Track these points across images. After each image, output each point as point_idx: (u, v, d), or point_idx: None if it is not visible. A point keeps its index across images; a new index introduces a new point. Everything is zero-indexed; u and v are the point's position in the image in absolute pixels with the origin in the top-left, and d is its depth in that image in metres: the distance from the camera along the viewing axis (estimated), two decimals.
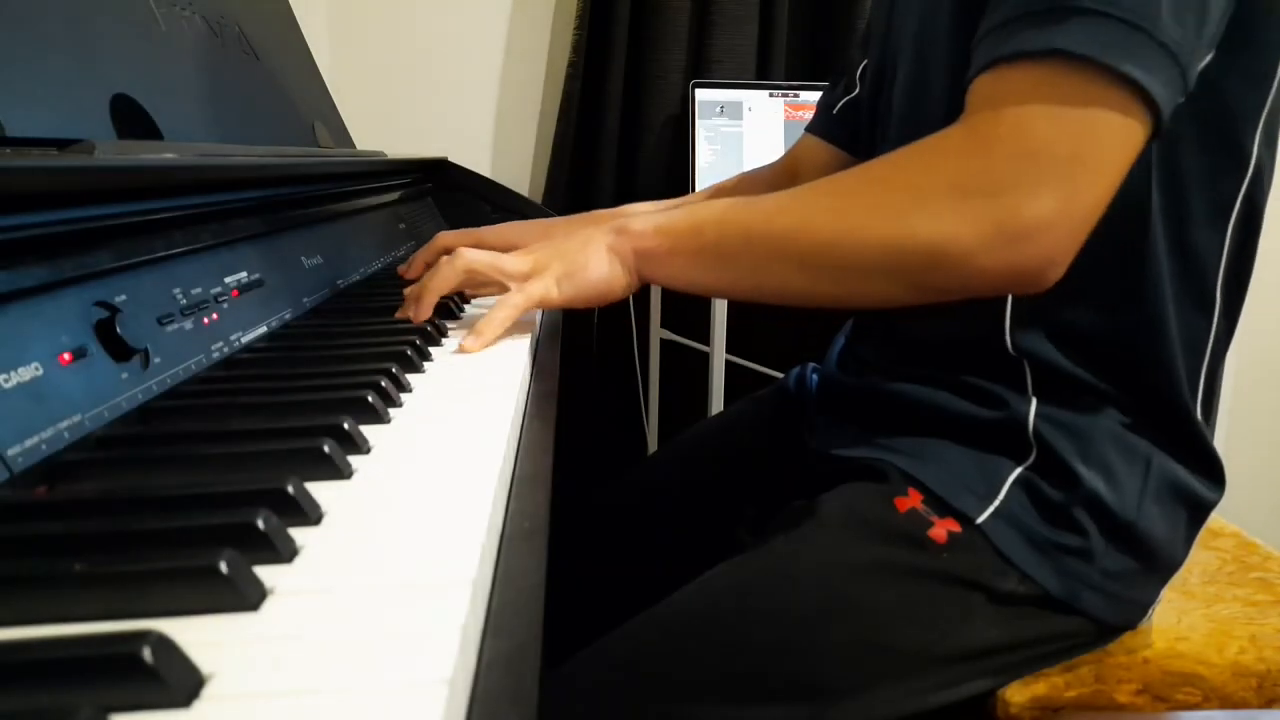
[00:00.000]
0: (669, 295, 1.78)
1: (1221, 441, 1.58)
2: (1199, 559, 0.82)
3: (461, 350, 0.65)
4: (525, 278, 0.67)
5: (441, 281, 0.69)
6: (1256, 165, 0.61)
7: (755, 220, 0.60)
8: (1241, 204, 0.62)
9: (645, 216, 0.66)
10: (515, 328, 0.69)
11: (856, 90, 0.85)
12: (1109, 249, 0.60)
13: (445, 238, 0.86)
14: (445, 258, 0.70)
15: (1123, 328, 0.62)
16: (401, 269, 0.89)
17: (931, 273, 0.54)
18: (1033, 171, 0.50)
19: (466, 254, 0.69)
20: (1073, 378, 0.63)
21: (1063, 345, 0.63)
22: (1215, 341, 0.65)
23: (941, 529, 0.61)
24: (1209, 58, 0.55)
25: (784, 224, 0.58)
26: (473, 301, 0.85)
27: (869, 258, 0.55)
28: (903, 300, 0.57)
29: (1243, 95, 0.59)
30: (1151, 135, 0.52)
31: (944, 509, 0.62)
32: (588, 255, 0.66)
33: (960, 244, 0.51)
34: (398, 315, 0.71)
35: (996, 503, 0.62)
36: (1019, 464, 0.63)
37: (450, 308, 0.77)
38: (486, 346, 0.65)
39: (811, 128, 0.92)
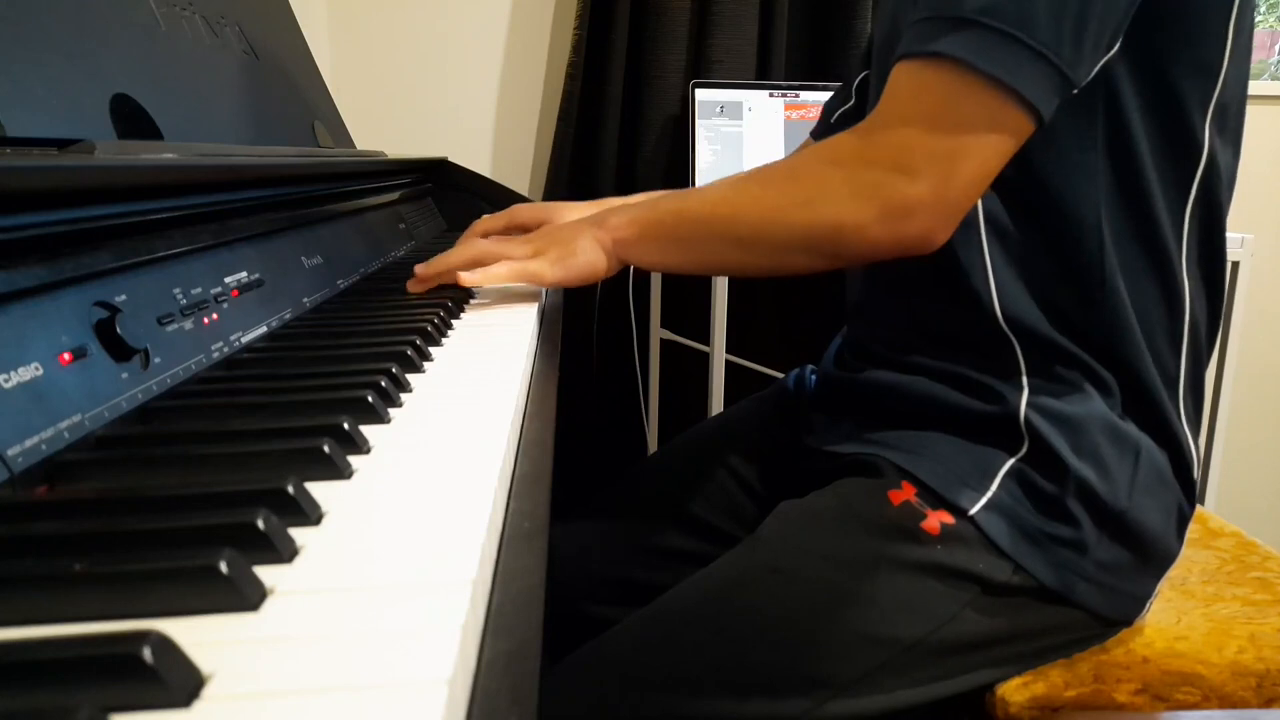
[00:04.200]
0: (669, 295, 1.78)
1: (1221, 441, 1.58)
2: (1199, 559, 0.82)
3: (461, 280, 0.76)
4: (526, 259, 0.77)
5: (454, 260, 0.79)
6: (1210, 153, 0.63)
7: (703, 210, 0.71)
8: (1198, 191, 0.64)
9: (622, 210, 0.76)
10: (514, 327, 0.69)
11: (852, 101, 0.87)
12: (1067, 225, 0.64)
13: (520, 212, 0.95)
14: (463, 242, 0.83)
15: (1095, 303, 0.64)
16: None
17: (836, 245, 0.64)
18: (912, 163, 0.60)
19: (478, 241, 0.80)
20: (1062, 352, 0.65)
21: (1048, 315, 0.65)
22: (1192, 334, 0.66)
23: (935, 521, 0.62)
24: (1110, 53, 0.59)
25: (723, 213, 0.69)
26: (471, 302, 0.85)
27: (788, 237, 0.66)
28: (818, 267, 0.68)
29: (1190, 85, 0.62)
30: (1035, 126, 0.59)
31: (937, 501, 0.62)
32: (578, 244, 0.76)
33: (856, 223, 0.62)
34: (415, 281, 0.82)
35: (989, 494, 0.62)
36: (1011, 455, 0.63)
37: (450, 306, 0.78)
38: (478, 284, 0.77)
39: (814, 133, 0.95)
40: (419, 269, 0.81)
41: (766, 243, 0.67)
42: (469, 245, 0.80)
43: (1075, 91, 0.58)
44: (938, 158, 0.59)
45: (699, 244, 0.71)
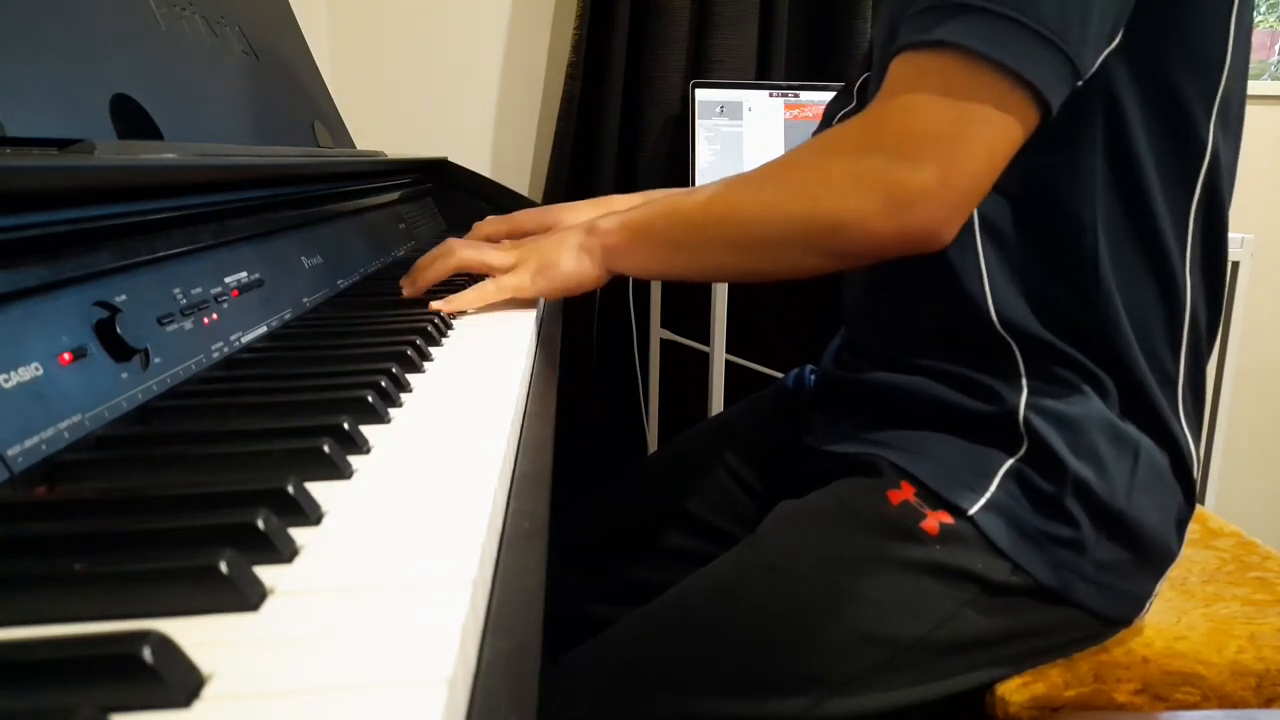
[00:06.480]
0: (669, 295, 1.78)
1: (1221, 441, 1.58)
2: (1198, 559, 0.82)
3: (431, 308, 0.73)
4: (507, 270, 0.75)
5: (435, 272, 0.77)
6: (1213, 151, 0.63)
7: (695, 210, 0.68)
8: (1202, 189, 0.64)
9: (611, 216, 0.74)
10: (514, 327, 0.70)
11: (854, 103, 0.87)
12: (1063, 227, 0.63)
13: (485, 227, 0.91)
14: (442, 252, 0.78)
15: (1089, 304, 0.64)
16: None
17: (836, 239, 0.61)
18: (915, 149, 0.57)
19: (459, 251, 0.77)
20: (1059, 353, 0.64)
21: (1043, 317, 0.64)
22: (1192, 333, 0.66)
23: (934, 520, 0.62)
24: (1113, 44, 0.58)
25: (716, 210, 0.66)
26: None
27: (785, 232, 0.63)
28: (820, 267, 0.64)
29: (1192, 83, 0.61)
30: (1042, 116, 0.57)
31: (936, 501, 0.62)
32: (561, 253, 0.74)
33: (857, 213, 0.59)
34: (403, 286, 0.79)
35: (988, 494, 0.62)
36: (1010, 455, 0.63)
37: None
38: (454, 311, 0.73)
39: (815, 134, 0.94)
40: (406, 285, 0.78)
41: (763, 241, 0.64)
42: (450, 254, 0.76)
43: (1080, 83, 0.56)
44: (942, 141, 0.56)
45: (693, 248, 0.69)
